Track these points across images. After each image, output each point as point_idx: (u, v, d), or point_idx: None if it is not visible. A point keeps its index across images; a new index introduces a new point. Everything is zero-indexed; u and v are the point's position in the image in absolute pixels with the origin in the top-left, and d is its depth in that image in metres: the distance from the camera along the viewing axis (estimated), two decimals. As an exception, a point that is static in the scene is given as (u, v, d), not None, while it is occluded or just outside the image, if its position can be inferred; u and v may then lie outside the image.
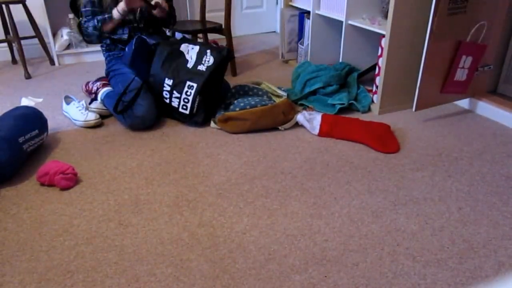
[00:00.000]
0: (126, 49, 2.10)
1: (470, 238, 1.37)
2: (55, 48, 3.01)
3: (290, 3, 2.90)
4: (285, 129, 2.06)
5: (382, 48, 2.17)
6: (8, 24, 2.84)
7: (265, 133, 2.05)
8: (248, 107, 2.03)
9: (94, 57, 3.18)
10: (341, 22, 2.43)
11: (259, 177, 1.71)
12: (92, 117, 2.13)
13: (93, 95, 2.31)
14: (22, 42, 2.89)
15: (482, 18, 2.00)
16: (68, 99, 2.28)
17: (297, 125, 2.11)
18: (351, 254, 1.31)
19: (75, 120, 2.15)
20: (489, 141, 1.97)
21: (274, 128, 2.09)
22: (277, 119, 2.03)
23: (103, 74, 2.89)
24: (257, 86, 2.20)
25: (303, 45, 2.84)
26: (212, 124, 2.11)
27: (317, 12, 2.65)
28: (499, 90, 2.29)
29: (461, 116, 2.23)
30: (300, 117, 2.06)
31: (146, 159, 1.85)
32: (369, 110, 2.24)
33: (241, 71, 2.92)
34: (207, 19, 3.36)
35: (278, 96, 2.17)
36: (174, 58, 2.04)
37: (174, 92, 2.00)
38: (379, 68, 2.18)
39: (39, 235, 1.41)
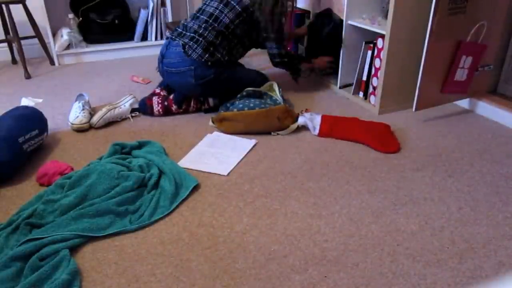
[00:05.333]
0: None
1: (470, 238, 1.37)
2: (55, 48, 3.01)
3: (290, 3, 2.90)
4: (278, 134, 2.04)
5: (378, 49, 2.17)
6: (8, 24, 2.84)
7: (265, 133, 2.05)
8: (246, 108, 2.03)
9: (94, 57, 3.18)
10: (341, 22, 2.43)
11: (259, 177, 1.71)
12: (76, 121, 2.07)
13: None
14: (22, 42, 2.89)
15: (482, 18, 2.00)
16: (80, 97, 2.28)
17: (297, 125, 2.12)
18: (351, 254, 1.30)
19: (68, 120, 2.15)
20: (489, 141, 1.97)
21: (274, 128, 2.09)
22: (272, 124, 2.02)
23: (102, 73, 2.90)
24: (269, 93, 2.21)
25: (303, 46, 2.84)
26: (210, 122, 2.12)
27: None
28: (499, 90, 2.29)
29: (461, 116, 2.23)
30: (301, 119, 2.05)
31: (146, 159, 1.85)
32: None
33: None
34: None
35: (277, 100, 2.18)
36: None
37: None
38: (377, 68, 2.18)
39: (39, 235, 1.40)
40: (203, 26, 2.12)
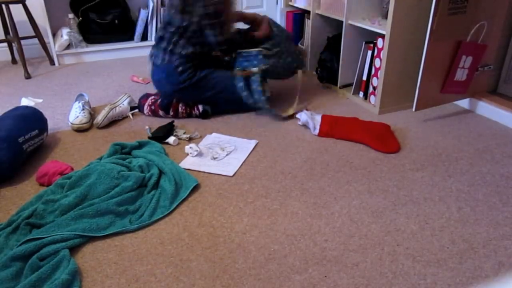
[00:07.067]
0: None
1: (470, 238, 1.37)
2: (55, 48, 3.01)
3: (290, 3, 2.90)
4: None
5: (378, 49, 2.17)
6: (8, 24, 2.84)
7: (265, 132, 2.05)
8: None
9: (94, 57, 3.18)
10: (341, 22, 2.43)
11: (259, 177, 1.71)
12: (76, 121, 2.07)
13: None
14: (22, 42, 2.89)
15: (482, 18, 2.00)
16: (80, 97, 2.28)
17: (297, 125, 2.12)
18: (351, 254, 1.31)
19: (68, 120, 2.15)
20: (489, 141, 1.97)
21: (274, 128, 2.09)
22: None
23: (102, 73, 2.90)
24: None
25: (303, 45, 2.84)
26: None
27: (317, 12, 2.65)
28: (499, 90, 2.29)
29: (461, 116, 2.23)
30: (304, 117, 2.05)
31: (146, 159, 1.85)
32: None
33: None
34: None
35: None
36: None
37: None
38: (377, 68, 2.18)
39: (39, 235, 1.40)
40: (161, 33, 2.14)
